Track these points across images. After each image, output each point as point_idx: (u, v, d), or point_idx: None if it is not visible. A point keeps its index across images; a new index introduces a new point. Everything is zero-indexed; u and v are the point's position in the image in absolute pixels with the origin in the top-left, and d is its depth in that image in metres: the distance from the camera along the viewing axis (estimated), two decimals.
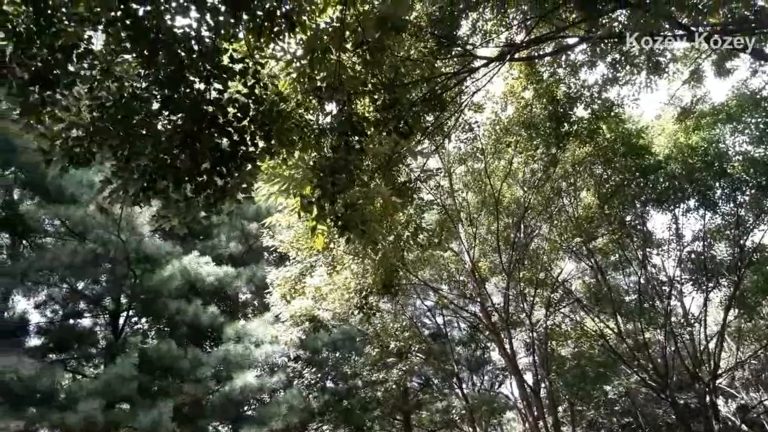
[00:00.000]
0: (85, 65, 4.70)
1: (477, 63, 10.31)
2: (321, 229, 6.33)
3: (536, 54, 11.62)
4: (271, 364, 19.49)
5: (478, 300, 16.88)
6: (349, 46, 6.55)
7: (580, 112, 12.30)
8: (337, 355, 21.89)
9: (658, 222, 64.36)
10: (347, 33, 6.22)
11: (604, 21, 9.23)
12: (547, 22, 10.13)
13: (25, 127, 4.76)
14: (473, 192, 16.77)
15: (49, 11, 4.64)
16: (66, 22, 4.68)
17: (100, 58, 4.68)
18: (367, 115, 6.84)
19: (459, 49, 10.21)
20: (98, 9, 4.61)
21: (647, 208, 15.74)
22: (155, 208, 5.29)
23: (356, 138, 5.47)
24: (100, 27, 4.81)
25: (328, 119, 6.79)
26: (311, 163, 6.63)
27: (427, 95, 8.69)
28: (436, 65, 9.24)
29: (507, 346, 15.93)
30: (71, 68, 4.68)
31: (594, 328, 17.66)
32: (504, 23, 10.54)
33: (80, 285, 19.50)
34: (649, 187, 14.58)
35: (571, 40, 10.53)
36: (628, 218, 16.08)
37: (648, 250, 16.55)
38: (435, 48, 9.24)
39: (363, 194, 5.38)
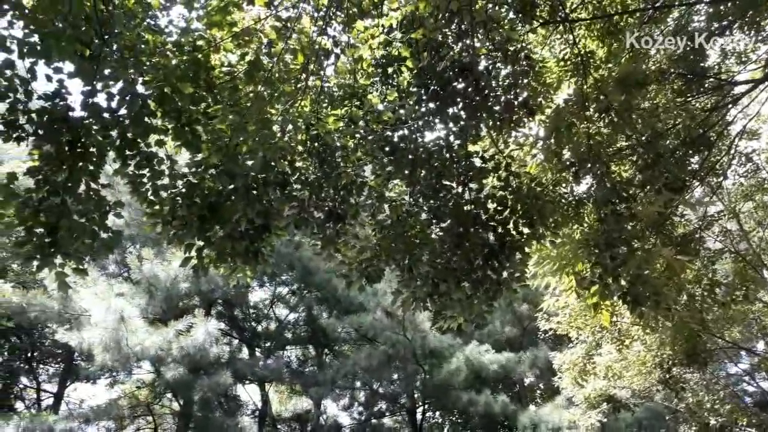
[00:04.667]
0: (364, 196, 5.45)
1: (738, 89, 9.19)
2: (604, 304, 6.03)
3: None
4: None
5: None
6: (590, 113, 6.46)
7: None
8: None
9: None
10: (587, 103, 6.17)
11: None
12: None
13: (327, 258, 5.62)
14: None
15: (329, 159, 5.55)
16: (343, 165, 5.54)
17: (375, 188, 5.38)
18: (627, 177, 6.54)
19: (712, 80, 9.27)
20: (365, 146, 5.39)
21: None
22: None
23: (623, 205, 5.24)
24: (369, 160, 5.60)
25: (582, 189, 6.66)
26: (576, 238, 6.49)
27: (686, 139, 7.98)
28: (689, 105, 8.50)
29: None
30: (354, 201, 5.47)
31: None
32: (761, 38, 9.32)
33: (375, 385, 21.25)
34: None
35: None
36: None
37: None
38: (684, 88, 8.55)
39: (643, 260, 5.05)
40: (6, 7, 4.28)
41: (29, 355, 19.28)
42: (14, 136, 3.90)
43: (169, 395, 18.14)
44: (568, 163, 6.29)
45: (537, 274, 6.91)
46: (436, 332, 17.61)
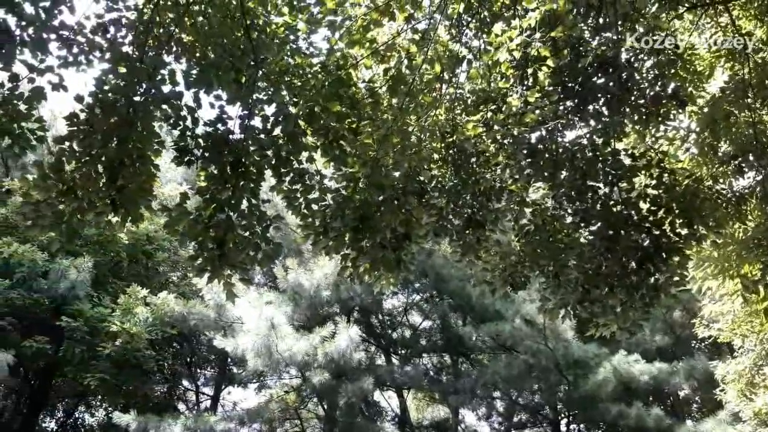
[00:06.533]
0: (504, 201, 5.37)
1: None
2: None
3: None
4: None
5: None
6: (752, 101, 5.89)
7: None
8: None
9: None
10: (748, 89, 5.63)
11: None
12: None
13: (468, 264, 5.61)
14: None
15: (465, 165, 5.54)
16: (480, 171, 5.51)
17: (515, 192, 5.28)
18: None
19: None
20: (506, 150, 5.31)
21: None
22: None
23: None
24: (509, 164, 5.50)
25: (743, 184, 6.07)
26: (740, 237, 5.93)
27: None
28: None
29: None
30: (493, 207, 5.41)
31: None
32: None
33: (514, 395, 20.67)
34: None
35: None
36: None
37: None
38: None
39: None
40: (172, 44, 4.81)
41: (189, 360, 21.15)
42: (185, 160, 4.34)
43: (314, 400, 18.96)
44: (726, 156, 5.79)
45: (695, 278, 6.40)
46: (580, 341, 16.87)
